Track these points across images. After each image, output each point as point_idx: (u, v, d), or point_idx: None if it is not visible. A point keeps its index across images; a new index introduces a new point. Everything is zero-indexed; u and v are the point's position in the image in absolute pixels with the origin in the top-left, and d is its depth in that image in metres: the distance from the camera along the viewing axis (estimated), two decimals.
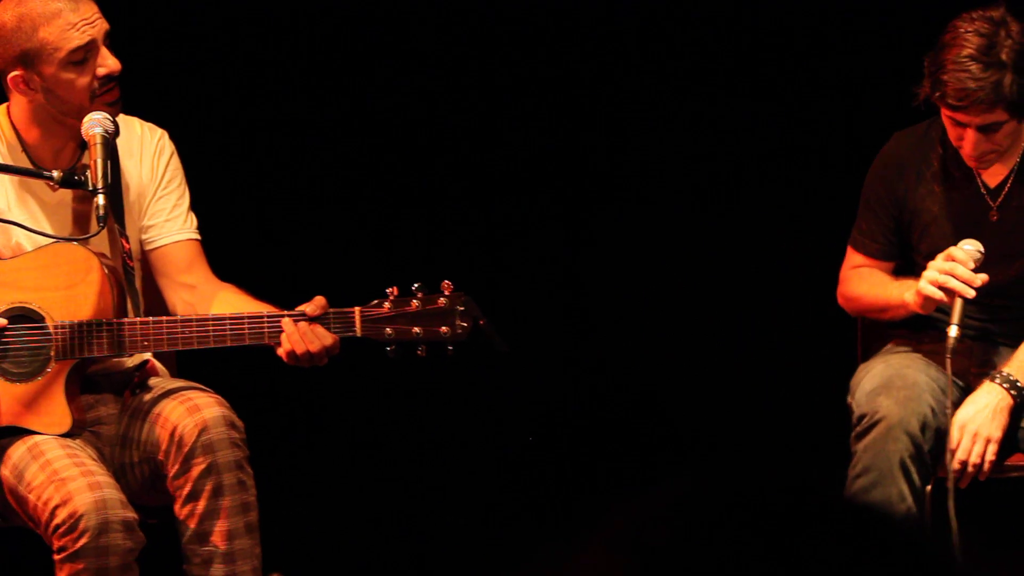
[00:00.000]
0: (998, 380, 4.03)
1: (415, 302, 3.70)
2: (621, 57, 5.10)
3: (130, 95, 3.81)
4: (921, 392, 4.01)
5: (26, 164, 3.81)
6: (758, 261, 5.10)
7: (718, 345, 5.15)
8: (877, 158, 4.25)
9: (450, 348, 3.71)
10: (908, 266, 4.21)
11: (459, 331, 3.70)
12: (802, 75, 5.03)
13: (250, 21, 5.03)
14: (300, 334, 3.66)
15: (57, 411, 3.74)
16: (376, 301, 3.71)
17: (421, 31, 5.08)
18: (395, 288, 3.71)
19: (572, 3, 5.07)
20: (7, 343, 3.73)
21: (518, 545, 4.85)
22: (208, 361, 3.89)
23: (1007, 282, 4.10)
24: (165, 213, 3.93)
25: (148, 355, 3.91)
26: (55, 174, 3.70)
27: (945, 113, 3.99)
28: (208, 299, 3.88)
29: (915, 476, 3.97)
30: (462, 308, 3.70)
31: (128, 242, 3.84)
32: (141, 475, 3.79)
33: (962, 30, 3.93)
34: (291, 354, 3.68)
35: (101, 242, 3.81)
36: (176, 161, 3.96)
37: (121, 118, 3.81)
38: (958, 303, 3.94)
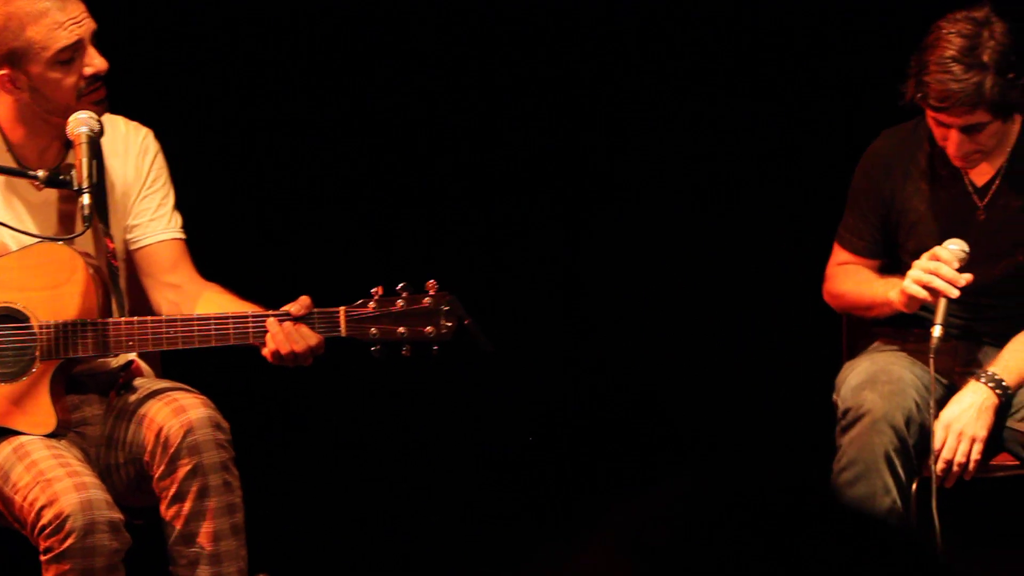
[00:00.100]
0: (983, 379, 4.04)
1: (400, 302, 3.70)
2: (621, 57, 5.10)
3: (125, 95, 3.80)
4: (906, 387, 4.02)
5: (11, 163, 3.80)
6: (758, 261, 5.11)
7: (716, 344, 5.16)
8: (864, 155, 4.26)
9: (435, 348, 3.71)
10: (895, 264, 4.22)
11: (444, 331, 3.70)
12: (801, 75, 5.04)
13: (247, 20, 5.01)
14: (285, 334, 3.66)
15: (42, 411, 3.73)
16: (361, 301, 3.71)
17: (420, 31, 5.08)
18: (380, 288, 3.70)
19: (572, 3, 5.07)
20: None
21: (518, 545, 4.85)
22: (193, 361, 3.88)
23: (993, 281, 4.11)
24: (150, 212, 3.92)
25: (133, 355, 3.90)
26: (40, 173, 3.68)
27: (929, 114, 4.00)
28: (193, 299, 3.87)
29: (900, 469, 3.99)
30: (447, 308, 3.70)
31: (113, 242, 3.83)
32: (127, 476, 3.78)
33: (945, 31, 3.94)
34: (276, 354, 3.68)
35: (86, 242, 3.80)
36: (161, 160, 3.95)
37: (106, 117, 3.79)
38: (942, 303, 3.95)
